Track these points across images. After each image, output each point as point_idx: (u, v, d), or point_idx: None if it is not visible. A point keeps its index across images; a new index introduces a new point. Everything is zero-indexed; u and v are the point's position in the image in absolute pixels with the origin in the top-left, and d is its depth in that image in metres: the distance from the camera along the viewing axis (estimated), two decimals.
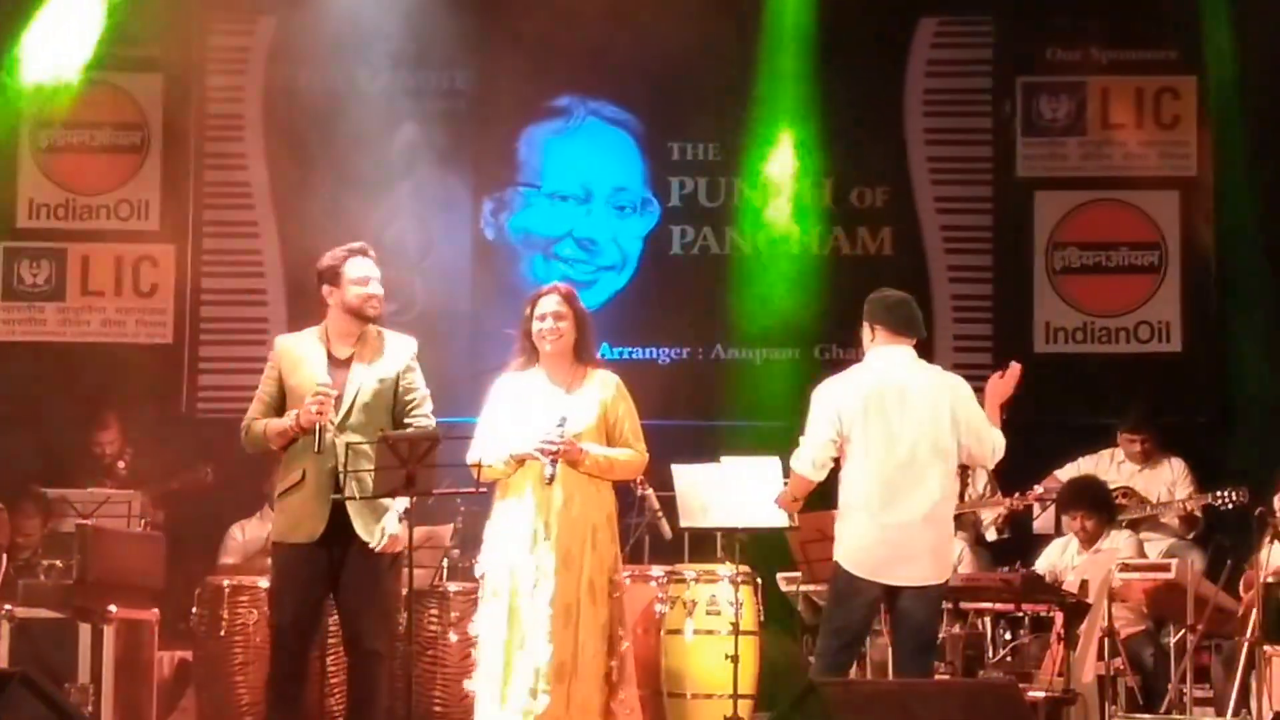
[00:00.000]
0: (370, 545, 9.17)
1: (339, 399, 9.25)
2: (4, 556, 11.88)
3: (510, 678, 9.49)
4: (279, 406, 9.40)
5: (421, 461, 9.06)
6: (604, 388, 9.79)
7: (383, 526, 9.22)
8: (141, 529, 12.51)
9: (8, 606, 10.76)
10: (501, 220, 15.33)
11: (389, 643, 9.42)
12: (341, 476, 9.18)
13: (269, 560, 9.82)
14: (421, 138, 14.51)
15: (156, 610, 11.19)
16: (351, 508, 9.17)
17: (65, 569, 11.29)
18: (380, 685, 9.36)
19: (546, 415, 9.54)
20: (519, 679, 9.46)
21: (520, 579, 9.52)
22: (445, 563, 11.70)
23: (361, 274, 9.40)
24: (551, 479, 9.45)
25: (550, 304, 9.70)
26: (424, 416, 9.43)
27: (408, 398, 9.45)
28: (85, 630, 10.60)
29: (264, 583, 11.31)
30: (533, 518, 9.55)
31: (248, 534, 13.05)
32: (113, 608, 10.66)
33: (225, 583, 11.81)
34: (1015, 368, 9.68)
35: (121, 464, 13.63)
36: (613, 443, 9.72)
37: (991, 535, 12.66)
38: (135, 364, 14.86)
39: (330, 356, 9.41)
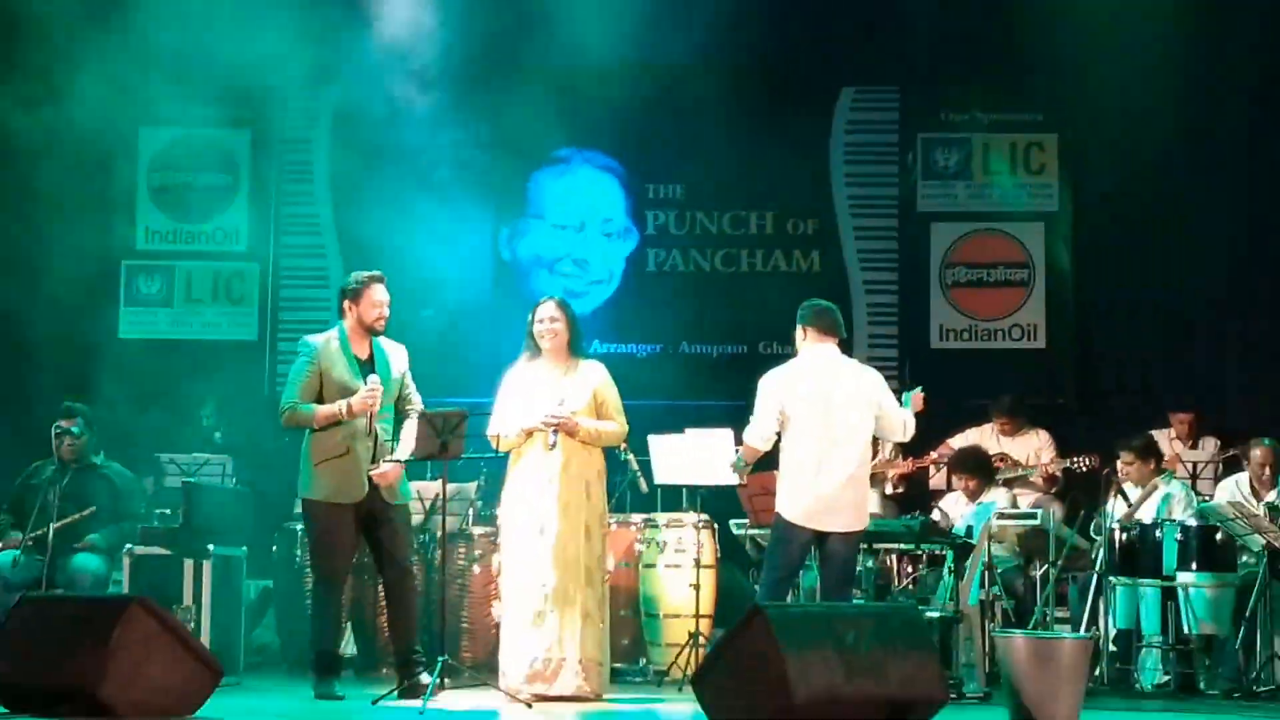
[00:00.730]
0: (403, 504, 9.69)
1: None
2: None
3: (525, 600, 9.53)
4: (317, 394, 9.50)
5: (453, 433, 9.13)
6: (593, 375, 9.95)
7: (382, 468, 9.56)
8: (232, 485, 12.47)
9: (130, 544, 10.72)
10: (514, 244, 15.31)
11: (409, 561, 9.81)
12: (390, 448, 9.35)
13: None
14: (452, 180, 14.45)
15: (244, 548, 11.14)
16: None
17: (173, 516, 11.24)
18: (413, 589, 9.84)
19: (548, 397, 9.65)
20: (531, 600, 9.50)
21: (530, 523, 9.55)
22: (470, 511, 11.66)
23: (380, 298, 9.73)
24: (554, 445, 9.62)
25: (547, 310, 9.90)
26: (417, 405, 9.79)
27: (405, 392, 9.82)
28: (189, 564, 10.55)
29: None
30: (540, 476, 9.66)
31: None
32: (210, 546, 10.61)
33: (297, 527, 11.81)
34: (920, 394, 9.85)
35: (218, 434, 13.60)
36: (600, 417, 9.83)
37: (889, 490, 12.64)
38: (228, 356, 14.84)
39: (355, 358, 9.66)
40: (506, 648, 9.65)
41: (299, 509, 10.02)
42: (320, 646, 9.64)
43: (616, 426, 9.92)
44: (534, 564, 9.57)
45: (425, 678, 9.23)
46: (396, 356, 9.78)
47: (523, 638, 9.54)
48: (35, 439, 11.36)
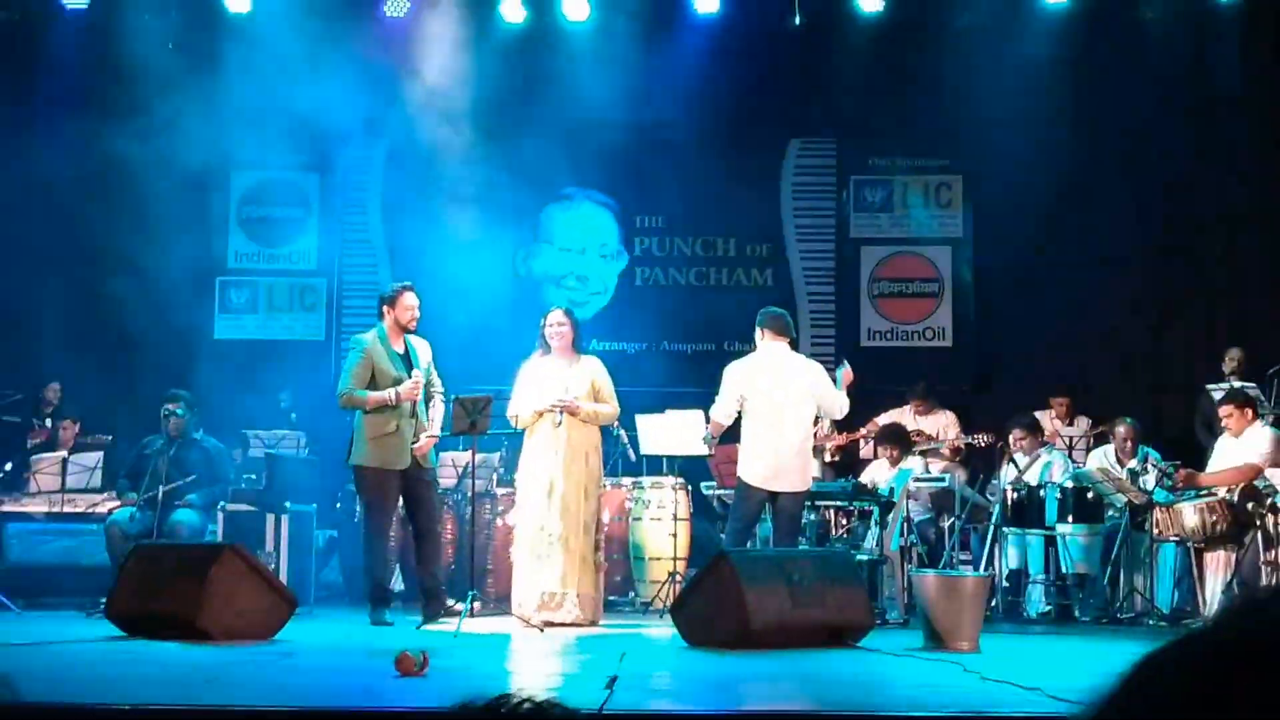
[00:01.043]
0: (432, 468, 9.81)
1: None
2: None
3: (534, 547, 9.55)
4: (367, 381, 9.58)
5: (481, 413, 9.17)
6: (591, 367, 10.06)
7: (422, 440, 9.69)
8: (304, 455, 12.46)
9: (223, 503, 10.73)
10: (529, 263, 15.26)
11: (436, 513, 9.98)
12: (428, 425, 9.43)
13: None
14: (479, 210, 14.43)
15: (314, 505, 11.13)
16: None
17: (257, 480, 11.24)
18: (439, 544, 10.08)
19: (556, 385, 9.67)
20: (539, 547, 9.51)
21: (541, 484, 9.58)
22: (494, 476, 11.66)
23: (411, 303, 9.87)
24: (560, 423, 9.65)
25: (556, 317, 10.03)
26: (439, 389, 9.94)
27: (430, 379, 9.90)
28: (270, 518, 10.55)
29: None
30: (549, 447, 9.70)
31: None
32: (287, 504, 10.61)
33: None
34: (849, 371, 9.97)
35: (293, 415, 13.57)
36: (598, 401, 9.84)
37: (827, 458, 12.64)
38: (301, 353, 14.81)
39: (394, 352, 9.76)
40: (519, 584, 9.67)
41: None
42: (374, 582, 9.68)
43: (610, 408, 9.99)
44: (542, 517, 9.61)
45: (448, 601, 9.35)
46: (424, 350, 9.89)
47: (532, 576, 9.58)
48: (147, 418, 11.35)
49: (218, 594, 7.98)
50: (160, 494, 10.43)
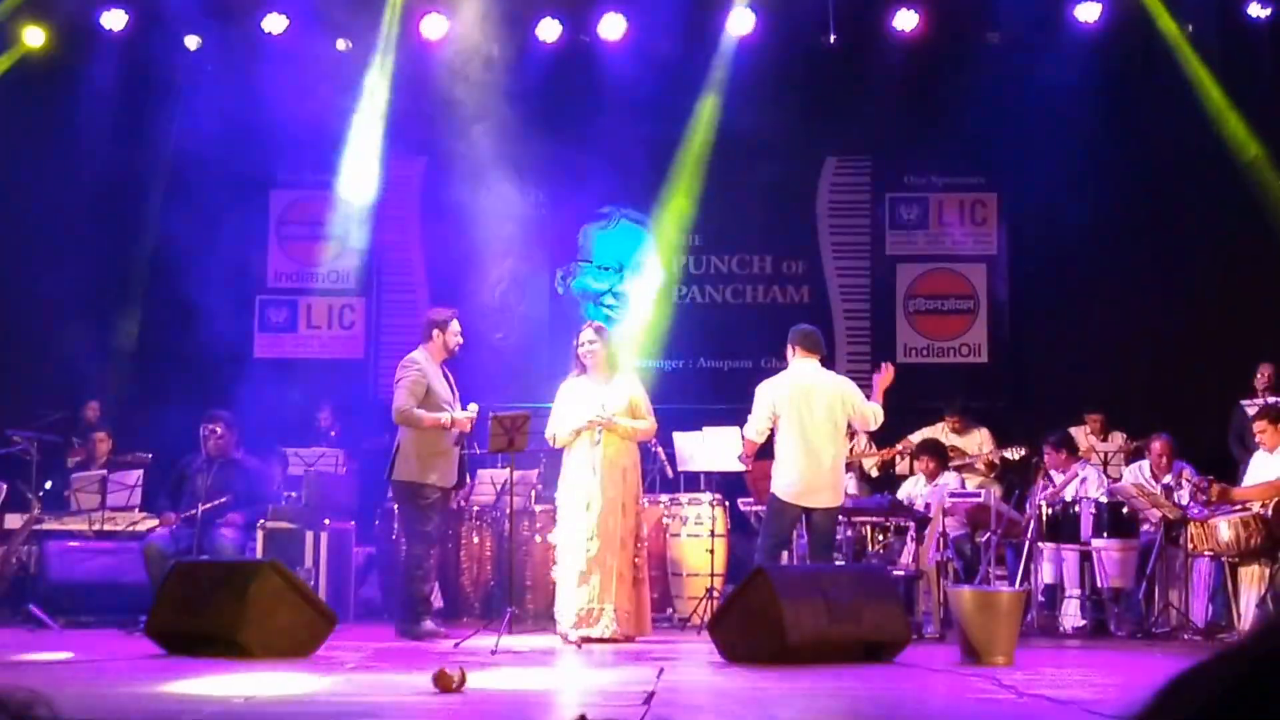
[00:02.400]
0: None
1: (453, 403, 9.84)
2: None
3: (574, 561, 9.54)
4: (424, 400, 9.56)
5: (518, 431, 9.19)
6: (628, 384, 10.02)
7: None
8: (343, 473, 12.49)
9: (262, 520, 10.75)
10: (568, 282, 15.27)
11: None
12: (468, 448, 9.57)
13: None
14: (518, 231, 14.46)
15: (353, 522, 11.15)
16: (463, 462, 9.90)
17: (297, 497, 11.26)
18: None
19: (593, 403, 9.66)
20: (578, 562, 9.52)
21: (579, 501, 9.57)
22: (532, 493, 11.66)
23: (458, 330, 10.02)
24: (598, 441, 9.56)
25: (587, 335, 10.04)
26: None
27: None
28: (309, 534, 10.57)
29: None
30: (588, 464, 9.68)
31: None
32: (326, 521, 10.63)
33: (394, 506, 11.84)
34: (889, 367, 9.89)
35: (332, 432, 13.62)
36: (635, 417, 9.78)
37: (874, 474, 12.60)
38: (340, 372, 14.89)
39: (444, 373, 9.88)
40: (559, 599, 9.67)
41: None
42: (418, 596, 9.78)
43: (647, 424, 9.96)
44: (581, 533, 9.59)
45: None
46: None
47: (572, 591, 9.56)
48: (187, 437, 11.40)
49: (257, 611, 7.99)
50: (200, 513, 10.46)
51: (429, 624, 9.62)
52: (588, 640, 9.30)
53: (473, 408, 9.67)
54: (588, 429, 9.68)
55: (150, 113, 14.11)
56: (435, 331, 9.88)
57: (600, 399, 9.75)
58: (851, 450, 11.61)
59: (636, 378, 10.16)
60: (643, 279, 15.21)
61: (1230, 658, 1.09)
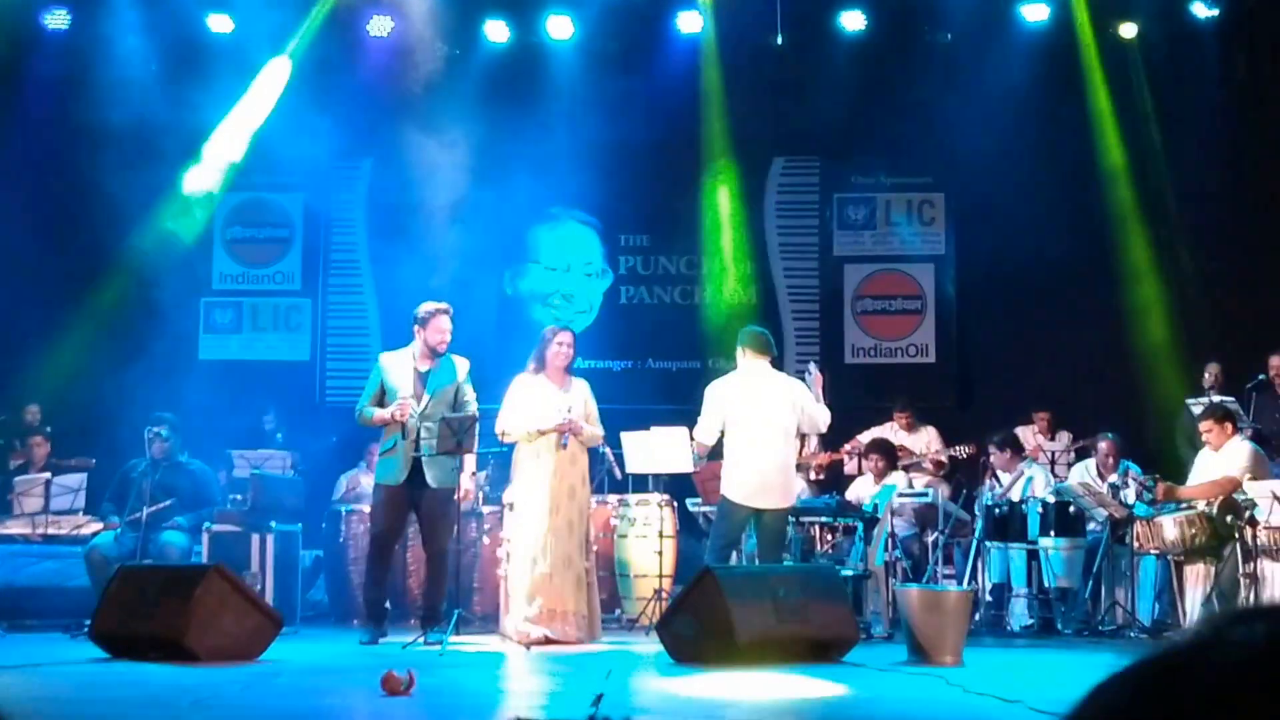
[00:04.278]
0: (444, 488, 9.54)
1: (418, 399, 9.58)
2: None
3: (536, 564, 9.52)
4: (381, 398, 9.64)
5: (466, 433, 9.19)
6: (584, 390, 10.02)
7: (462, 483, 9.64)
8: (290, 475, 12.44)
9: (208, 523, 10.69)
10: (515, 282, 15.28)
11: (450, 543, 9.71)
12: (421, 445, 9.39)
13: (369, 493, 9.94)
14: (467, 231, 14.45)
15: (300, 524, 11.11)
16: (424, 463, 9.51)
17: (243, 500, 11.20)
18: (445, 570, 9.69)
19: (556, 406, 9.70)
20: (540, 564, 9.50)
21: (543, 505, 9.56)
22: (480, 494, 11.64)
23: (442, 327, 9.81)
24: (565, 445, 9.61)
25: (567, 339, 9.98)
26: (470, 408, 9.64)
27: (463, 399, 9.74)
28: (255, 538, 10.52)
29: (366, 508, 11.41)
30: (553, 467, 9.67)
31: (348, 478, 12.95)
32: (272, 524, 10.58)
33: (342, 508, 11.83)
34: (819, 373, 10.01)
35: (278, 435, 13.57)
36: (589, 423, 9.87)
37: (812, 476, 12.63)
38: (286, 373, 14.83)
39: (416, 370, 9.71)
40: (517, 601, 9.61)
41: (336, 494, 10.17)
42: (366, 600, 9.81)
43: (600, 430, 10.04)
44: (544, 536, 9.58)
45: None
46: (457, 370, 9.83)
47: (532, 593, 9.53)
48: (131, 441, 11.33)
49: (203, 615, 7.96)
50: (145, 516, 10.39)
51: (377, 632, 9.57)
52: (548, 641, 9.31)
53: (405, 397, 9.57)
54: (556, 431, 9.66)
55: (93, 114, 14.00)
56: (416, 328, 9.85)
57: (563, 403, 9.75)
58: (801, 452, 11.64)
59: (588, 385, 10.16)
60: (590, 279, 15.23)
61: (1146, 664, 1.11)
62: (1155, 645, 1.11)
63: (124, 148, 13.51)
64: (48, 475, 11.61)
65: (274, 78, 13.89)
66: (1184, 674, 1.08)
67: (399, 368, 9.75)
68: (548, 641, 9.30)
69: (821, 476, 12.83)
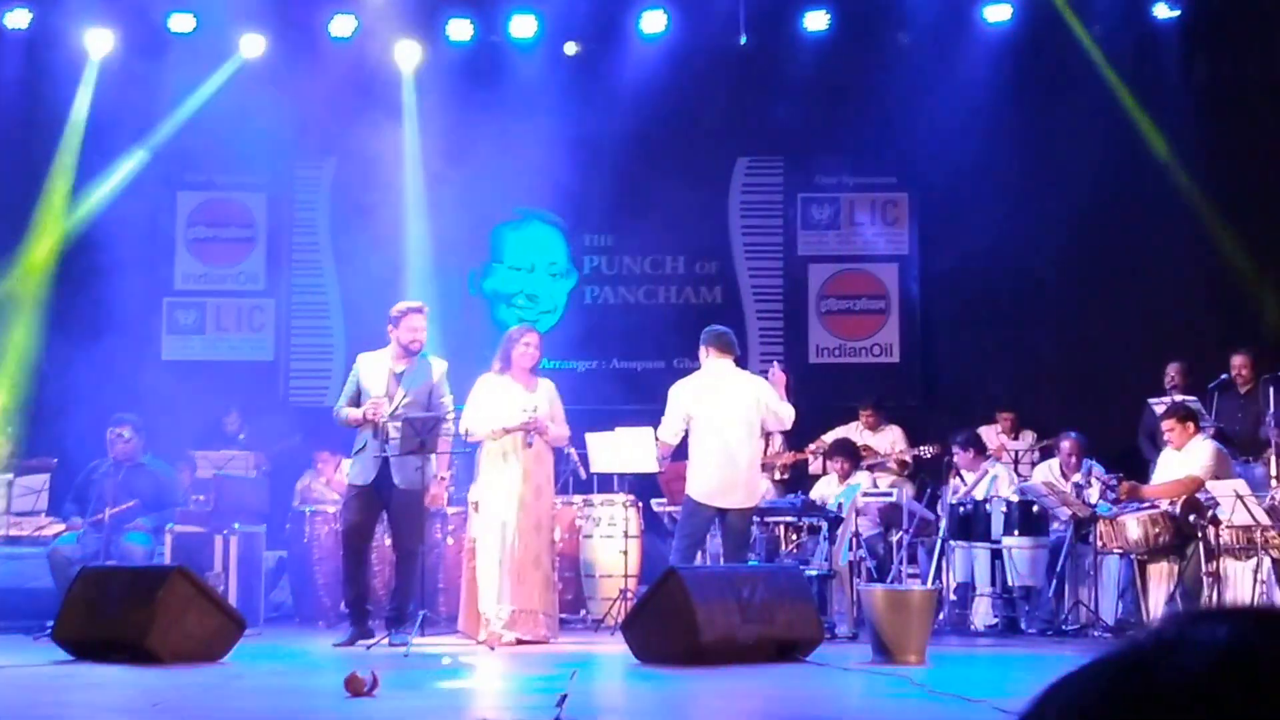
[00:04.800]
0: (410, 489, 9.47)
1: (391, 399, 9.54)
2: None
3: (501, 564, 9.53)
4: (357, 398, 9.65)
5: (430, 433, 9.18)
6: (549, 391, 10.02)
7: (427, 485, 9.54)
8: (253, 476, 12.39)
9: (171, 525, 10.65)
10: (480, 282, 15.25)
11: (419, 544, 9.62)
12: (387, 445, 9.39)
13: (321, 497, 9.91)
14: (430, 231, 14.44)
15: (263, 526, 11.08)
16: (391, 463, 9.48)
17: (205, 501, 11.17)
18: (412, 572, 9.63)
19: (521, 406, 9.70)
20: (506, 564, 9.50)
21: (509, 504, 9.56)
22: (445, 495, 11.61)
23: (414, 326, 9.80)
24: (531, 444, 9.63)
25: (534, 339, 10.03)
26: (443, 409, 9.64)
27: (437, 399, 9.71)
28: (219, 538, 10.49)
29: (331, 509, 11.40)
30: (518, 467, 9.70)
31: (301, 484, 12.90)
32: (235, 524, 10.55)
33: (306, 509, 11.81)
34: (779, 372, 10.02)
35: (241, 435, 13.52)
36: (554, 423, 9.86)
37: (776, 476, 12.64)
38: (249, 374, 14.77)
39: (391, 371, 9.68)
40: (487, 602, 9.60)
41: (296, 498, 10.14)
42: (345, 599, 9.88)
43: (565, 430, 10.06)
44: (510, 536, 9.59)
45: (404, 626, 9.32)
46: (432, 370, 9.79)
47: (498, 593, 9.55)
48: (94, 441, 11.29)
49: (166, 616, 7.94)
50: (107, 517, 10.36)
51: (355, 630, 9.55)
52: (519, 643, 9.32)
53: (371, 400, 9.56)
54: (521, 431, 9.66)
55: (55, 112, 13.95)
56: (390, 327, 9.84)
57: (528, 402, 9.75)
58: (766, 451, 11.66)
59: (554, 385, 10.17)
60: (555, 279, 15.23)
61: (1108, 663, 1.12)
62: (1117, 645, 1.12)
63: (85, 148, 13.48)
64: (10, 476, 11.55)
65: (231, 76, 13.85)
66: (1146, 675, 1.09)
67: (374, 368, 9.74)
68: (519, 643, 9.31)
69: (786, 476, 12.86)
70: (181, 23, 13.80)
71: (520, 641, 9.35)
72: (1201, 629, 1.10)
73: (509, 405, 9.71)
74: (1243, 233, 13.85)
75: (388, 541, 10.16)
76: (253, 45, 13.99)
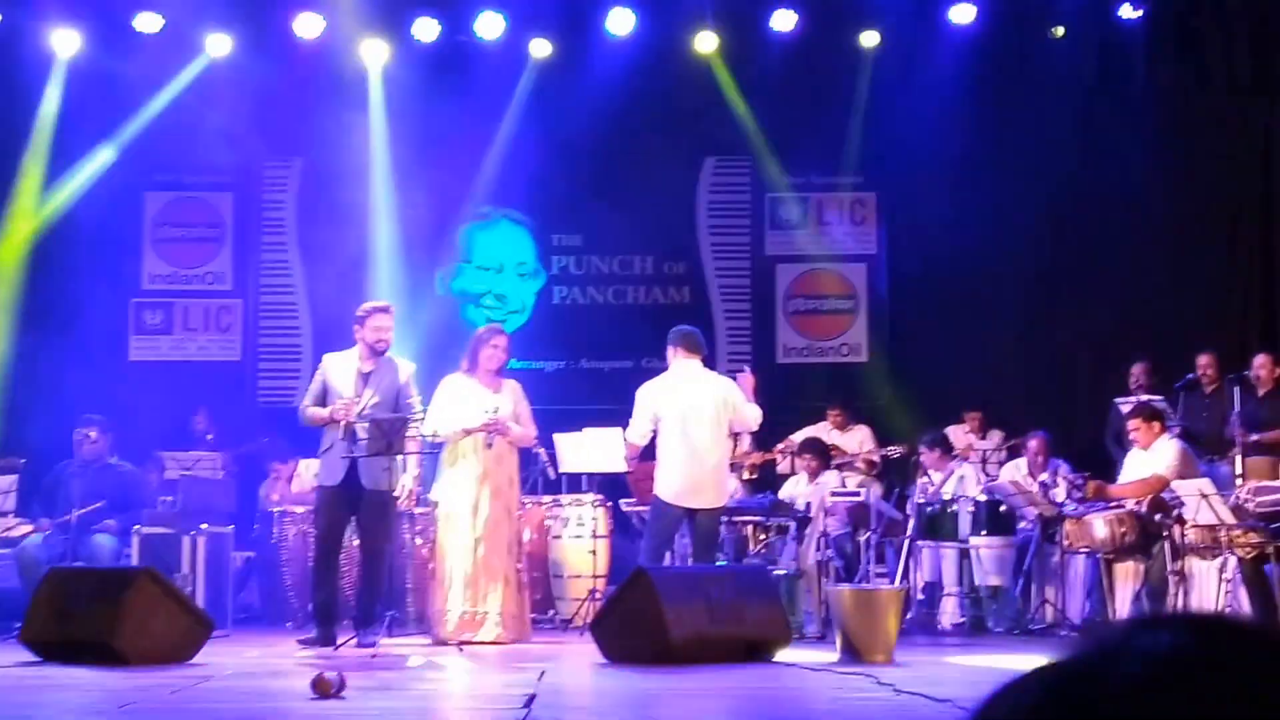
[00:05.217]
0: (378, 490, 9.39)
1: (359, 400, 9.46)
2: None
3: (460, 566, 9.53)
4: (323, 398, 9.55)
5: (397, 435, 9.15)
6: (514, 391, 9.99)
7: (404, 484, 9.55)
8: (221, 477, 12.36)
9: (137, 525, 10.61)
10: (448, 283, 15.23)
11: (386, 545, 9.62)
12: (355, 446, 9.34)
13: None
14: (398, 231, 14.43)
15: (231, 527, 11.05)
16: (359, 464, 9.36)
17: (173, 502, 11.14)
18: (380, 573, 9.59)
19: (485, 406, 9.67)
20: (465, 566, 9.51)
21: (467, 506, 9.56)
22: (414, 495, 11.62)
23: (379, 325, 9.69)
24: (491, 444, 9.60)
25: (502, 341, 10.00)
26: (411, 410, 9.55)
27: (405, 400, 9.59)
28: (186, 540, 10.46)
29: (299, 509, 11.38)
30: (478, 467, 9.69)
31: (263, 493, 12.86)
32: (203, 525, 10.53)
33: (274, 510, 11.77)
34: (749, 375, 10.11)
35: (209, 436, 13.47)
36: (520, 424, 9.85)
37: (745, 476, 12.65)
38: (217, 374, 14.74)
39: (358, 371, 9.58)
40: (445, 603, 9.62)
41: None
42: (313, 602, 9.77)
43: (530, 431, 10.04)
44: (468, 537, 9.59)
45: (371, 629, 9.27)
46: (398, 372, 9.69)
47: (459, 595, 9.55)
48: (61, 442, 11.25)
49: (133, 618, 7.92)
50: (74, 518, 10.32)
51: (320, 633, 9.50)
52: (470, 643, 9.30)
53: (341, 401, 9.50)
54: (482, 432, 9.66)
55: (22, 112, 13.89)
56: (356, 327, 9.79)
57: (491, 403, 9.75)
58: (735, 451, 11.68)
59: (520, 385, 10.16)
60: (523, 280, 15.23)
61: (1053, 670, 1.13)
62: (1063, 651, 1.12)
63: (52, 148, 13.43)
64: None
65: (198, 75, 13.82)
66: (1089, 682, 1.09)
67: (341, 368, 9.66)
68: (474, 643, 9.29)
69: (755, 476, 12.88)
70: (148, 22, 13.75)
71: (479, 642, 9.32)
72: (1143, 637, 1.11)
73: (472, 406, 9.71)
74: (1207, 234, 13.95)
75: (355, 542, 10.12)
76: (219, 44, 13.96)
